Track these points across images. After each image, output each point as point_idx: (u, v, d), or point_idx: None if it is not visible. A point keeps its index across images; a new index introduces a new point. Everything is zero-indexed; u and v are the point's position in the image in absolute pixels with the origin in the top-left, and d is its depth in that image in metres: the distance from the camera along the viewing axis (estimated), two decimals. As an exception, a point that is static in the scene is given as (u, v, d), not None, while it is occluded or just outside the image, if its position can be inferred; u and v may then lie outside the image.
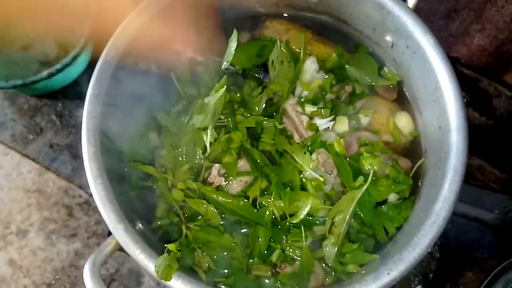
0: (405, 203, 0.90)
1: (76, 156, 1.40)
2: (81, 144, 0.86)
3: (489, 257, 1.19)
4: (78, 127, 1.42)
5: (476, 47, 1.40)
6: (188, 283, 0.76)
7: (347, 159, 0.92)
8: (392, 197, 0.91)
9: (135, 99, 0.94)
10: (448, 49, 1.44)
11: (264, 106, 0.97)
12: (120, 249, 0.82)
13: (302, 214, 0.85)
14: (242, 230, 0.89)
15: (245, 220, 0.86)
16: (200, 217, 0.88)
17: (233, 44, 0.96)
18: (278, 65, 0.99)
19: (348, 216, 0.84)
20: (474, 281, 1.02)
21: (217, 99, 0.89)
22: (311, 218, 0.87)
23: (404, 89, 1.04)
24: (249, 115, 0.95)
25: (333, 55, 1.06)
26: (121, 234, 0.80)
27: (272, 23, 1.09)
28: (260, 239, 0.85)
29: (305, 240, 0.85)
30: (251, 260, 0.87)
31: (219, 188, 0.90)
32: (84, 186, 1.38)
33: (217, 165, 0.91)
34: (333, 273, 0.87)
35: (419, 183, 0.94)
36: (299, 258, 0.86)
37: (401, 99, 1.04)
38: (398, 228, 0.88)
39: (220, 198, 0.87)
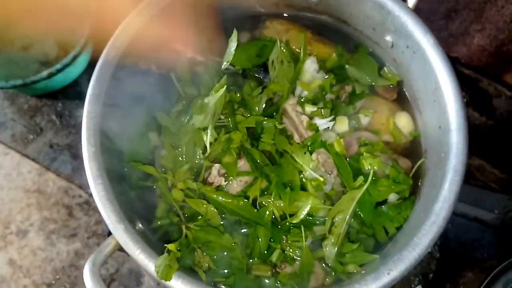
0: (405, 203, 0.90)
1: (76, 156, 1.40)
2: (81, 144, 0.86)
3: (489, 257, 1.19)
4: (78, 127, 1.42)
5: (476, 47, 1.40)
6: (188, 283, 0.76)
7: (347, 159, 0.92)
8: (392, 197, 0.91)
9: (135, 99, 0.94)
10: (448, 49, 1.44)
11: (264, 106, 0.97)
12: (120, 249, 0.82)
13: (302, 214, 0.85)
14: (242, 230, 0.89)
15: (245, 220, 0.86)
16: (200, 217, 0.88)
17: (233, 44, 0.96)
18: (278, 65, 0.99)
19: (348, 216, 0.84)
20: (474, 281, 1.02)
21: (217, 99, 0.89)
22: (311, 218, 0.87)
23: (404, 89, 1.04)
24: (249, 115, 0.95)
25: (333, 55, 1.05)
26: (121, 234, 0.80)
27: (272, 23, 1.09)
28: (260, 239, 0.85)
29: (305, 240, 0.85)
30: (251, 260, 0.87)
31: (219, 188, 0.90)
32: (84, 186, 1.38)
33: (217, 165, 0.91)
34: (333, 273, 0.87)
35: (419, 183, 0.94)
36: (299, 258, 0.86)
37: (401, 99, 1.04)
38: (398, 228, 0.88)
39: (220, 198, 0.87)
